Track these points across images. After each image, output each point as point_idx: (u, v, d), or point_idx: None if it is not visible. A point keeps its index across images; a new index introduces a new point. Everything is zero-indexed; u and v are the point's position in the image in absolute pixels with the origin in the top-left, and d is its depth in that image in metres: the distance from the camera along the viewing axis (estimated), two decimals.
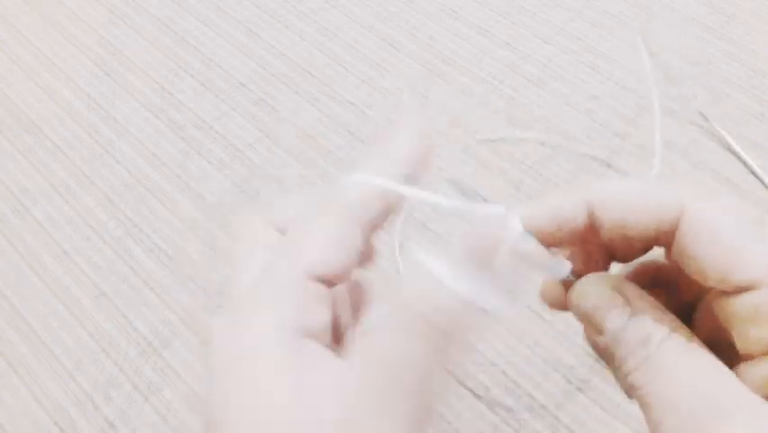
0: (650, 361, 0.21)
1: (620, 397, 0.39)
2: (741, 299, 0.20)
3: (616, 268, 0.26)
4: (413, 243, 0.45)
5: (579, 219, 0.22)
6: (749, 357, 0.21)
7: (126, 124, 0.53)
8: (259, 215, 0.25)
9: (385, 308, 0.22)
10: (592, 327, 0.23)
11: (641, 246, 0.23)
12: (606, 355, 0.23)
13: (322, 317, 0.22)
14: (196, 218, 0.47)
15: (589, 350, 0.40)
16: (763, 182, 0.46)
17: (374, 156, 0.24)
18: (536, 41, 0.55)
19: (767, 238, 0.21)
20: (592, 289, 0.23)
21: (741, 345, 0.21)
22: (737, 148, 0.48)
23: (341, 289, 0.23)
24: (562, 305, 0.25)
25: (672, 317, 0.22)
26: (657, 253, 0.24)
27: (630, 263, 0.25)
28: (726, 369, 0.21)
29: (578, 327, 0.44)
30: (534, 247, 0.22)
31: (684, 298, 0.24)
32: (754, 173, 0.47)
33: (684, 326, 0.22)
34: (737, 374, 0.21)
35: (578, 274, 0.24)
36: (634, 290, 0.23)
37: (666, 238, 0.22)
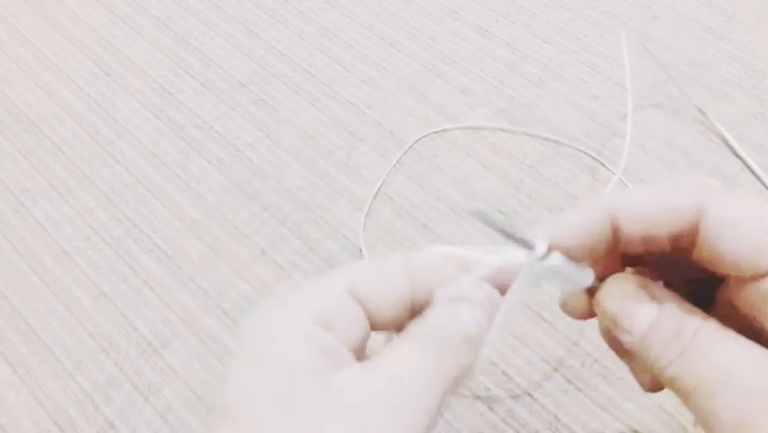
0: (688, 351, 0.21)
1: (620, 396, 0.39)
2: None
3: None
4: (413, 243, 0.45)
5: (605, 234, 0.23)
6: None
7: (126, 124, 0.53)
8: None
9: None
10: (620, 328, 0.23)
11: (658, 249, 0.24)
12: (634, 355, 0.23)
13: (351, 331, 0.23)
14: (196, 218, 0.47)
15: (590, 350, 0.40)
16: (763, 182, 0.46)
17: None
18: (536, 41, 0.55)
19: None
20: (618, 290, 0.24)
21: None
22: (737, 148, 0.48)
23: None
24: (585, 313, 0.25)
25: (697, 309, 0.23)
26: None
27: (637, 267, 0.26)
28: (763, 348, 0.21)
29: (578, 326, 0.44)
30: (563, 263, 0.23)
31: (693, 293, 0.25)
32: (754, 173, 0.47)
33: (710, 316, 0.22)
34: None
35: (599, 279, 0.24)
36: (658, 287, 0.23)
37: (686, 239, 0.23)
